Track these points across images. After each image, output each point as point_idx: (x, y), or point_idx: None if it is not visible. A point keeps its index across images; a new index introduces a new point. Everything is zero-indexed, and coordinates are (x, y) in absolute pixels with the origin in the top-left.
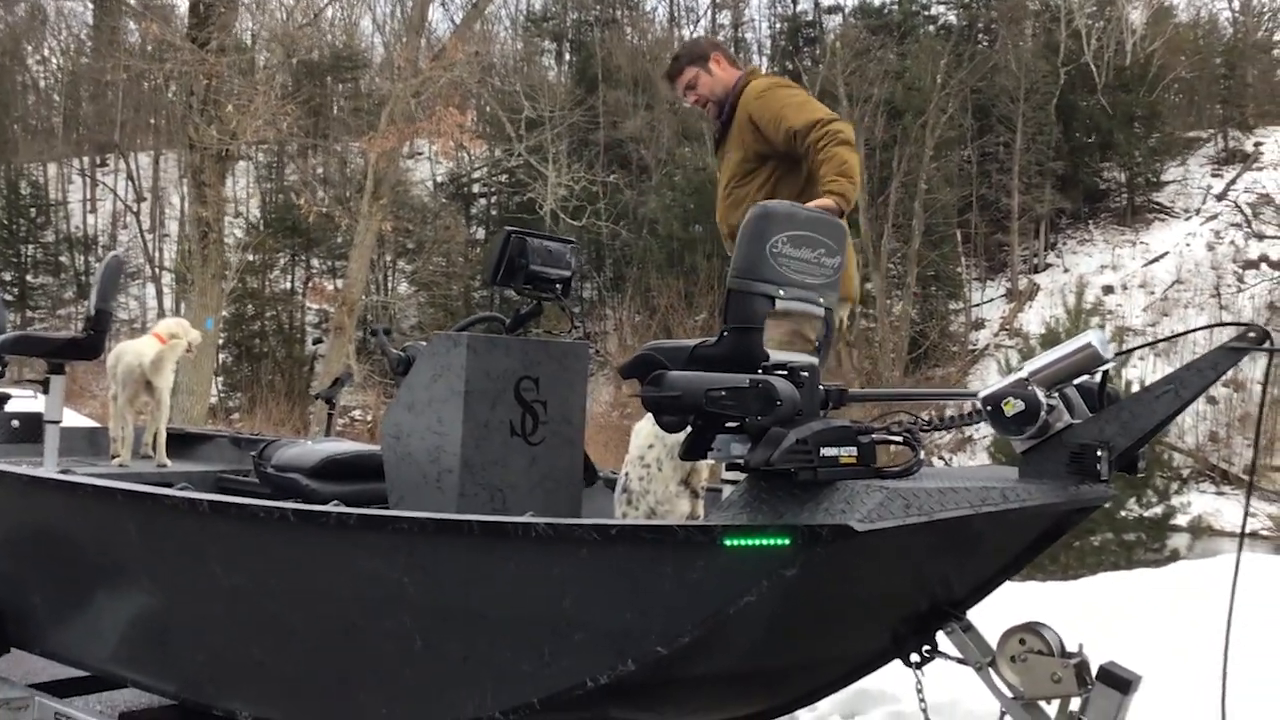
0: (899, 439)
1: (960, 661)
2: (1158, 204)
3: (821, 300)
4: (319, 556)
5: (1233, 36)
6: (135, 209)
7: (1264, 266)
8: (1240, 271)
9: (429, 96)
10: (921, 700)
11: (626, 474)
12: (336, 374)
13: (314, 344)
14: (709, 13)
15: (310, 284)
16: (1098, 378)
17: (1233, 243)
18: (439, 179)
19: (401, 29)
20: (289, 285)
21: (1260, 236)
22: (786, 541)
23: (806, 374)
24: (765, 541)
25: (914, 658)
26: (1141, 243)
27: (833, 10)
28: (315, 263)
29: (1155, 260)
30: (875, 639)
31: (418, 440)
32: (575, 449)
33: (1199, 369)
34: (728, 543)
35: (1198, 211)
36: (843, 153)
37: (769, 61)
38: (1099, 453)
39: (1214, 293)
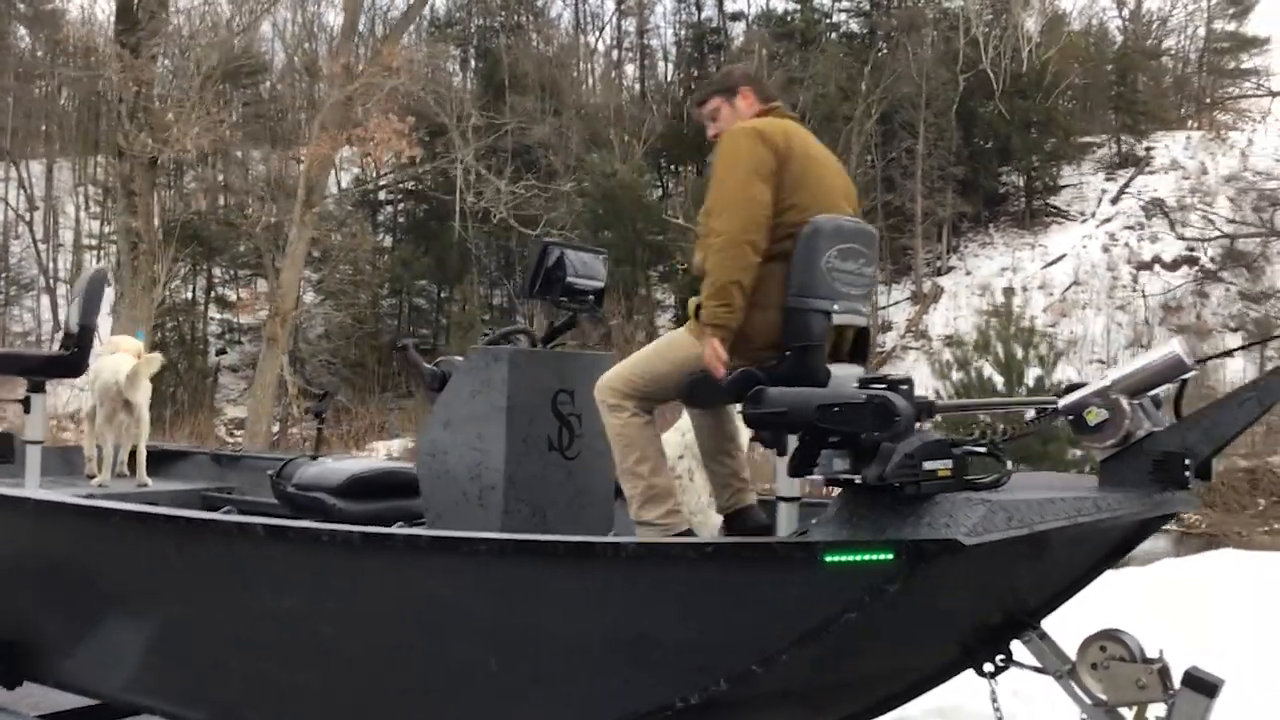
0: (984, 450)
1: (1038, 670)
2: (1055, 207)
3: (864, 310)
4: (384, 579)
5: (1123, 44)
6: (28, 219)
7: (1157, 268)
8: (1135, 273)
9: (371, 103)
10: (997, 710)
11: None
12: (325, 388)
13: (217, 354)
14: (614, 19)
15: (239, 297)
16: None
17: (1127, 244)
18: (344, 186)
19: (302, 34)
20: (190, 295)
21: (1154, 238)
22: (890, 556)
23: (906, 387)
24: (868, 557)
25: (988, 667)
26: (1040, 245)
27: (736, 18)
28: (217, 272)
29: (1054, 262)
30: (949, 650)
31: (457, 457)
32: (607, 463)
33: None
34: (829, 559)
35: (1093, 214)
36: (712, 264)
37: (674, 69)
38: (1186, 460)
39: (1110, 293)
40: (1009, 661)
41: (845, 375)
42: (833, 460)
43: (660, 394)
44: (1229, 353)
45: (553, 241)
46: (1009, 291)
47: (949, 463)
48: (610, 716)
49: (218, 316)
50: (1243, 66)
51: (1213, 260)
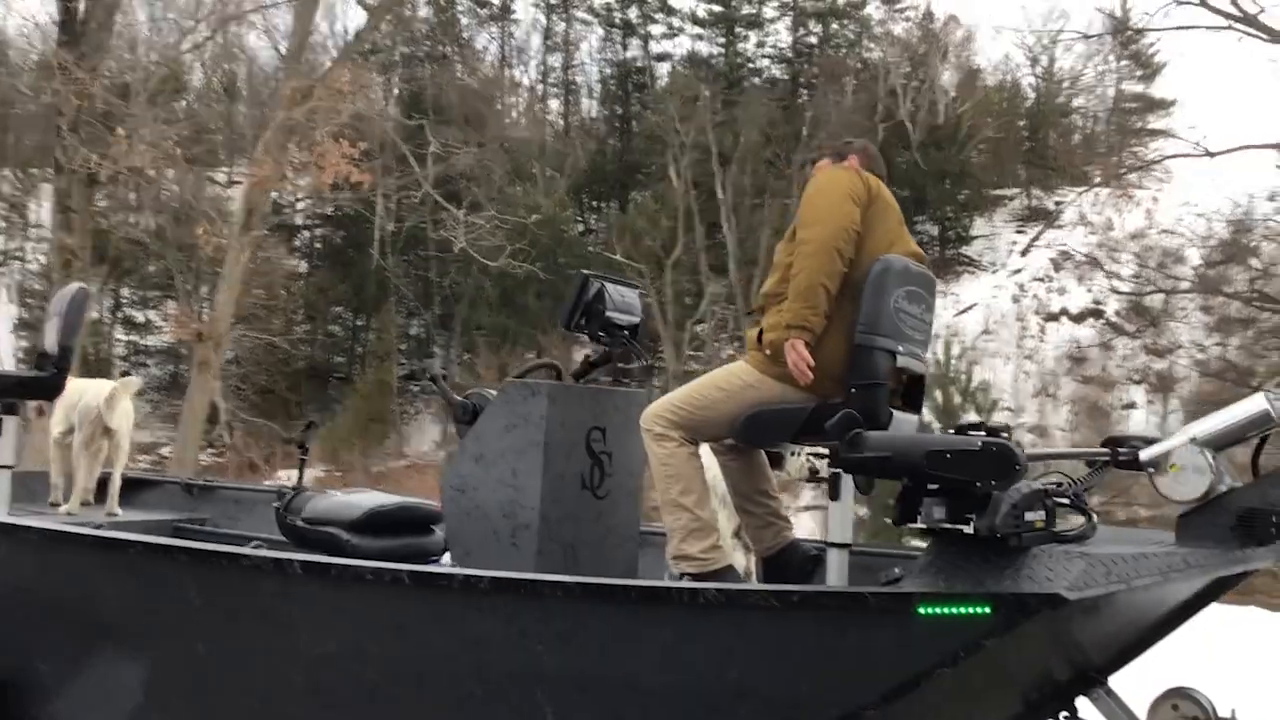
0: (1068, 501)
1: None
2: (967, 257)
3: (923, 356)
4: (436, 622)
5: (1035, 101)
6: None
7: (1064, 319)
8: (1043, 324)
9: (324, 128)
10: None
11: (668, 531)
12: (309, 419)
13: (121, 375)
14: (541, 54)
15: (174, 316)
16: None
17: (1035, 295)
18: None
19: (221, 53)
20: (96, 314)
21: (1062, 291)
22: (988, 610)
23: (1006, 435)
24: (964, 610)
25: None
26: (952, 294)
27: (662, 58)
28: (126, 292)
29: (965, 311)
30: (1013, 706)
31: (488, 493)
32: (635, 503)
33: None
34: (923, 610)
35: (1004, 265)
36: (804, 272)
37: (599, 105)
38: (1274, 517)
39: (1019, 343)
40: (1073, 718)
41: (903, 420)
42: (932, 509)
43: (710, 428)
44: None
45: (592, 274)
46: None
47: (1043, 514)
48: None
49: (124, 338)
50: (1150, 127)
51: (1118, 314)
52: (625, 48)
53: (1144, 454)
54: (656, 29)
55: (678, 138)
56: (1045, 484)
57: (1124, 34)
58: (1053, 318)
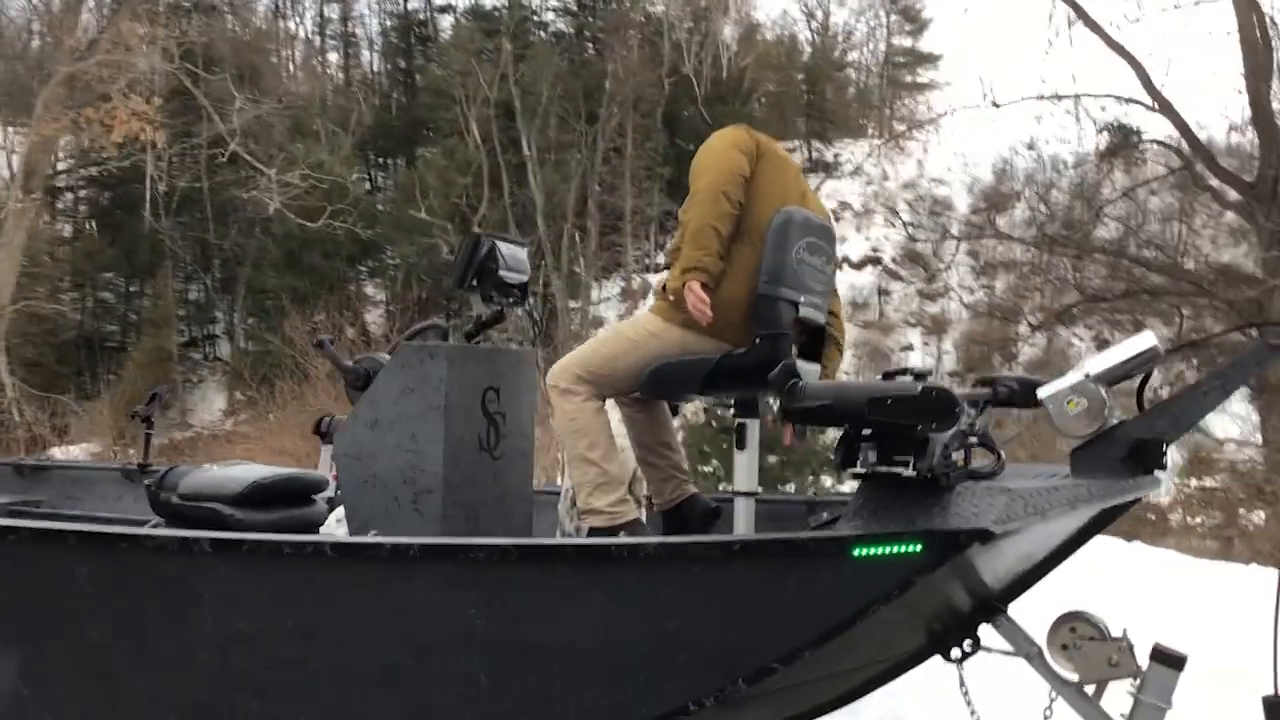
0: (977, 440)
1: (1007, 654)
2: None
3: (823, 307)
4: (362, 593)
5: (812, 55)
6: None
7: (845, 267)
8: None
9: (121, 82)
10: (966, 695)
11: (572, 485)
12: (153, 389)
13: None
14: (317, 5)
15: None
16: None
17: None
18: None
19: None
20: None
21: (842, 240)
22: (919, 548)
23: (931, 379)
24: (898, 549)
25: (955, 653)
26: None
27: (445, 10)
28: None
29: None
30: (920, 637)
31: (386, 460)
32: (528, 462)
33: (1241, 365)
34: (857, 553)
35: None
36: (689, 223)
37: (381, 59)
38: (1163, 445)
39: None
40: (977, 646)
41: (807, 369)
42: (867, 453)
43: (616, 382)
44: (1207, 339)
45: (485, 233)
46: None
47: (963, 453)
48: None
49: None
50: (919, 80)
51: (894, 260)
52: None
53: (1042, 391)
54: None
55: (467, 92)
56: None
57: None
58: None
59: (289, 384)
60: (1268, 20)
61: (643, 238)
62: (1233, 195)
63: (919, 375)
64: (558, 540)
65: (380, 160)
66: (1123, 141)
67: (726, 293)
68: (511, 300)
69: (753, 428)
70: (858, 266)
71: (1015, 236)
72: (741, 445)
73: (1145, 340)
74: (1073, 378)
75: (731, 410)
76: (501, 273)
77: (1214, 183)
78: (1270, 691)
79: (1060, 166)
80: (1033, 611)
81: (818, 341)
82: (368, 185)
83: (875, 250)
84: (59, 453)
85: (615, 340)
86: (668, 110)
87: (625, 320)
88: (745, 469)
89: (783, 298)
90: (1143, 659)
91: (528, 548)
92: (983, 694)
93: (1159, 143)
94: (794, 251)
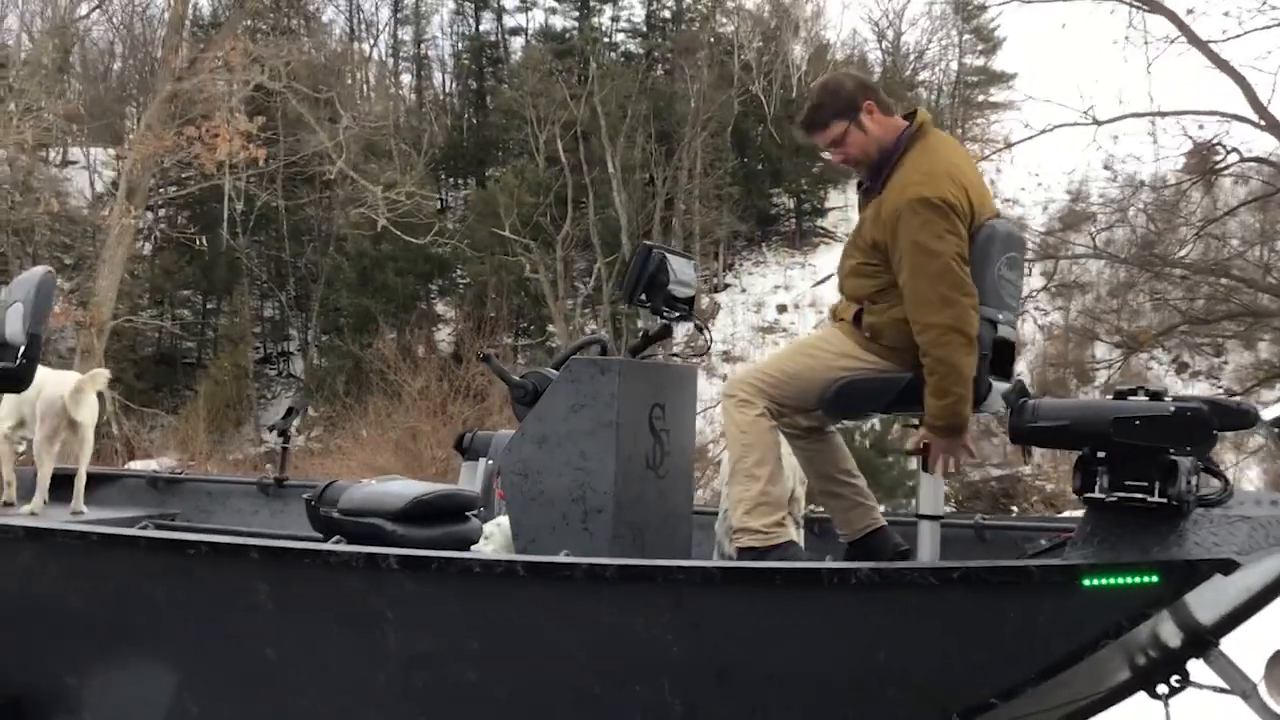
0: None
1: (1218, 690)
2: (823, 229)
3: (1015, 322)
4: (552, 615)
5: (882, 75)
6: None
7: None
8: None
9: (227, 103)
10: None
11: (733, 502)
12: (290, 403)
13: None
14: (390, 27)
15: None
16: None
17: None
18: (99, 188)
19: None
20: None
21: None
22: (1156, 579)
23: (1169, 398)
24: (1132, 580)
25: (1161, 689)
26: (810, 264)
27: (516, 32)
28: None
29: (822, 281)
30: (1125, 670)
31: (554, 477)
32: (690, 481)
33: None
34: (1088, 582)
35: None
36: (934, 362)
37: (452, 81)
38: None
39: None
40: (1185, 682)
41: (999, 388)
42: (1103, 477)
43: (797, 399)
44: None
45: (654, 244)
46: (782, 308)
47: (1197, 479)
48: None
49: None
50: (992, 99)
51: None
52: (478, 21)
53: (1267, 413)
54: (510, 2)
55: (538, 113)
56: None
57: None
58: None
59: (380, 400)
60: None
61: (711, 257)
62: None
63: (1154, 394)
64: (763, 564)
65: (451, 180)
66: (1214, 159)
67: (905, 311)
68: (679, 315)
69: (937, 449)
70: None
71: (1115, 255)
72: (927, 467)
73: None
74: None
75: (919, 432)
76: (671, 286)
77: None
78: None
79: (1140, 185)
80: (1239, 647)
81: (1008, 359)
82: (439, 204)
83: None
84: (137, 466)
85: (801, 356)
86: (736, 129)
87: (809, 337)
88: (931, 491)
89: (985, 318)
90: None
91: (732, 570)
92: None
93: (1261, 160)
94: (996, 269)
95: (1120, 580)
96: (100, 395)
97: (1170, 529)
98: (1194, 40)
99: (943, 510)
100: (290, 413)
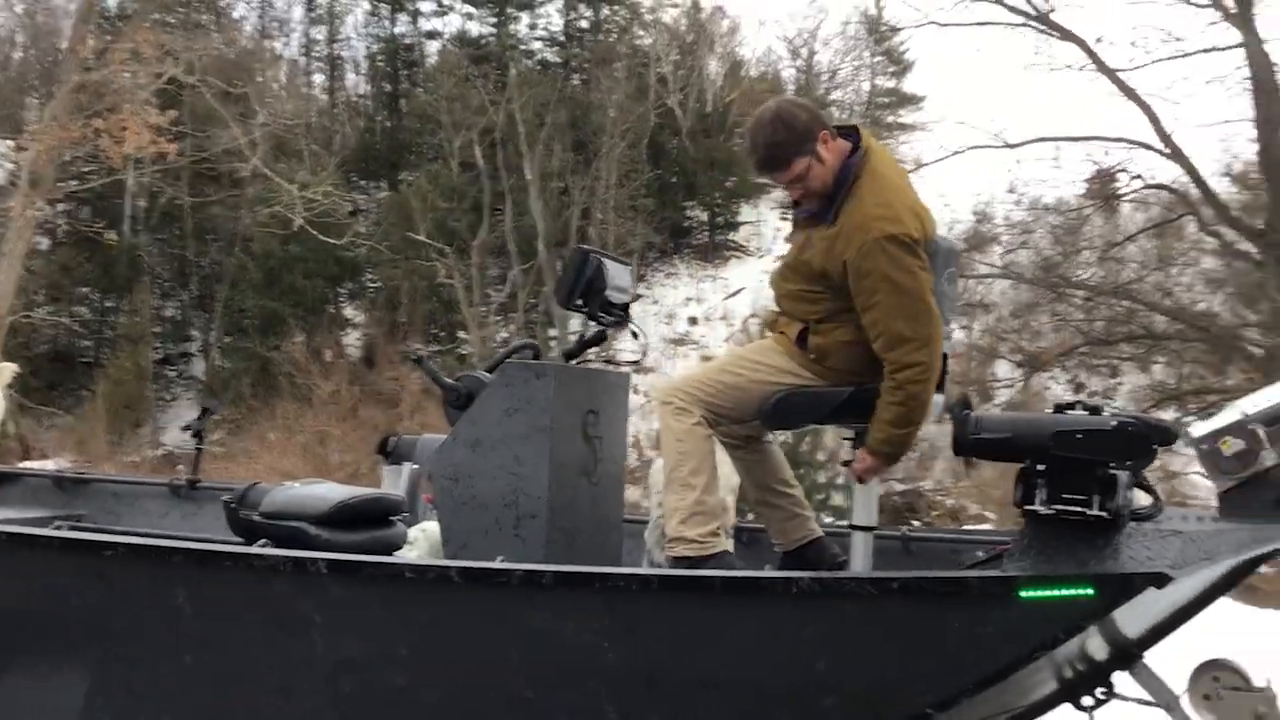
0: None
1: (1144, 702)
2: (734, 243)
3: (951, 336)
4: (485, 620)
5: (795, 92)
6: None
7: None
8: None
9: (136, 93)
10: None
11: (663, 515)
12: (203, 403)
13: None
14: (304, 27)
15: None
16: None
17: None
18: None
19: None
20: None
21: None
22: (1091, 592)
23: (1108, 412)
24: (1068, 592)
25: (1087, 700)
26: (721, 278)
27: (432, 36)
28: None
29: (733, 295)
30: (1052, 682)
31: (487, 482)
32: (621, 489)
33: None
34: (1025, 594)
35: (769, 251)
36: (907, 397)
37: (366, 82)
38: None
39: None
40: (1110, 694)
41: (935, 401)
42: (1041, 490)
43: (735, 409)
44: None
45: (592, 249)
46: (693, 320)
47: (1130, 494)
48: None
49: None
50: (902, 120)
51: None
52: (393, 23)
53: (1197, 431)
54: (426, 5)
55: (453, 118)
56: None
57: (881, 32)
58: None
59: (288, 403)
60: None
61: None
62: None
63: (1092, 409)
64: (703, 572)
65: (362, 183)
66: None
67: (852, 334)
68: (614, 320)
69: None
70: None
71: (1019, 275)
72: (862, 480)
73: None
74: (1229, 417)
75: (850, 443)
76: (608, 291)
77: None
78: None
79: (1045, 208)
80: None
81: (943, 371)
82: (350, 208)
83: None
84: (33, 466)
85: (740, 367)
86: (652, 142)
87: (746, 349)
88: (865, 503)
89: None
90: None
91: (671, 578)
92: None
93: (1163, 187)
94: (940, 284)
95: (1057, 592)
96: (9, 389)
97: (1105, 542)
98: (1102, 68)
99: (876, 522)
100: (204, 413)
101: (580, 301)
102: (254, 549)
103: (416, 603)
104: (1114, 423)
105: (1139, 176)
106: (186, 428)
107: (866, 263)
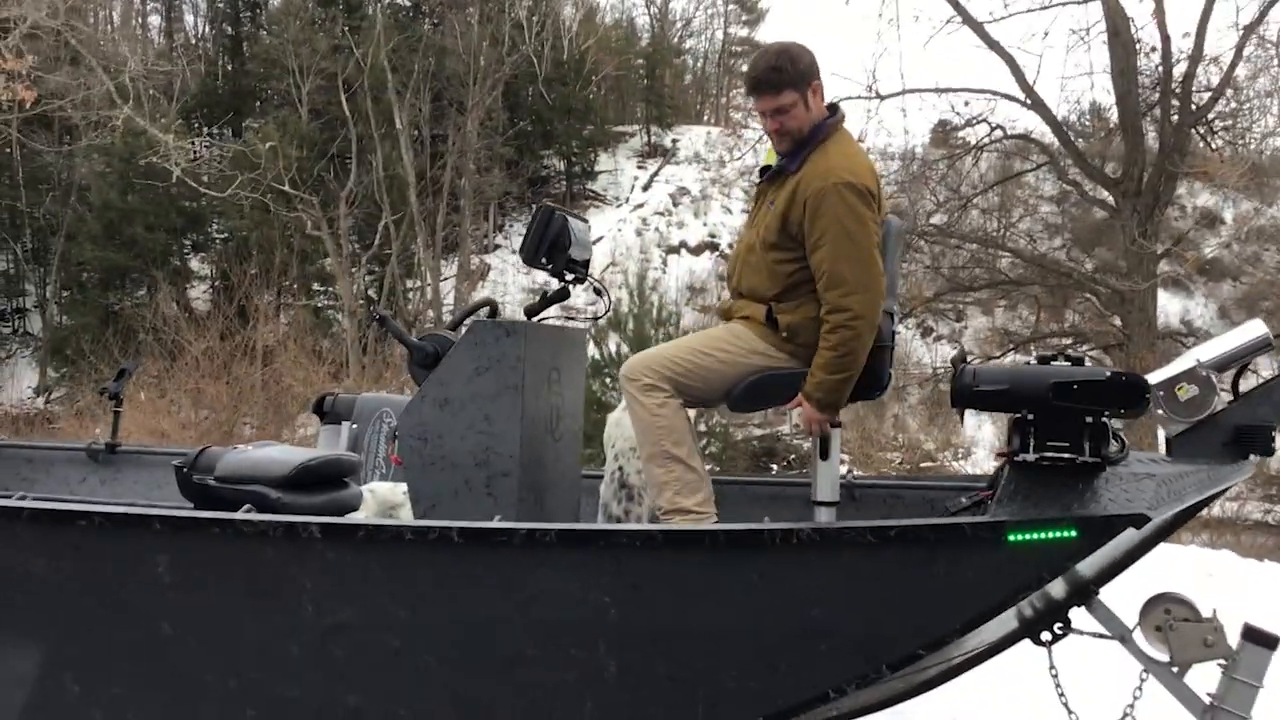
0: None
1: (1099, 636)
2: (593, 191)
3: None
4: (486, 580)
5: (650, 41)
6: None
7: (684, 252)
8: (664, 256)
9: None
10: (1055, 677)
11: (620, 469)
12: (121, 366)
13: None
14: None
15: None
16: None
17: (657, 229)
18: None
19: None
20: None
21: (681, 225)
22: (1074, 534)
23: (1091, 363)
24: (1053, 534)
25: (1045, 636)
26: None
27: None
28: None
29: (593, 243)
30: (1013, 620)
31: (456, 441)
32: (579, 445)
33: None
34: (1012, 538)
35: (627, 200)
36: (839, 341)
37: (206, 25)
38: (1267, 432)
39: (642, 274)
40: (1067, 629)
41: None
42: (1030, 438)
43: (700, 390)
44: None
45: (556, 207)
46: None
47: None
48: (752, 712)
49: None
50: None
51: (730, 246)
52: None
53: (1154, 378)
54: None
55: (300, 63)
56: None
57: None
58: (673, 250)
59: (156, 361)
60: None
61: (481, 217)
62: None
63: (1075, 360)
64: (706, 527)
65: (207, 130)
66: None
67: (817, 309)
68: (575, 277)
69: (836, 438)
70: (695, 252)
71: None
72: (825, 455)
73: (1256, 328)
74: (1183, 364)
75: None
76: (572, 249)
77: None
78: None
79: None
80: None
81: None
82: (192, 155)
83: (713, 235)
84: None
85: (709, 350)
86: (508, 90)
87: (713, 333)
88: (828, 479)
89: (886, 310)
90: (1232, 641)
91: (676, 534)
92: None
93: (1023, 137)
94: (893, 263)
95: (1042, 535)
96: None
97: (1087, 487)
98: (967, 20)
99: (839, 497)
100: (122, 374)
101: (545, 260)
102: (239, 515)
103: (416, 564)
104: (1108, 374)
105: (1000, 127)
106: (103, 390)
107: (824, 204)
